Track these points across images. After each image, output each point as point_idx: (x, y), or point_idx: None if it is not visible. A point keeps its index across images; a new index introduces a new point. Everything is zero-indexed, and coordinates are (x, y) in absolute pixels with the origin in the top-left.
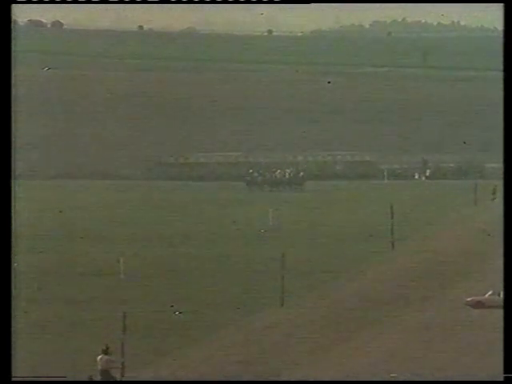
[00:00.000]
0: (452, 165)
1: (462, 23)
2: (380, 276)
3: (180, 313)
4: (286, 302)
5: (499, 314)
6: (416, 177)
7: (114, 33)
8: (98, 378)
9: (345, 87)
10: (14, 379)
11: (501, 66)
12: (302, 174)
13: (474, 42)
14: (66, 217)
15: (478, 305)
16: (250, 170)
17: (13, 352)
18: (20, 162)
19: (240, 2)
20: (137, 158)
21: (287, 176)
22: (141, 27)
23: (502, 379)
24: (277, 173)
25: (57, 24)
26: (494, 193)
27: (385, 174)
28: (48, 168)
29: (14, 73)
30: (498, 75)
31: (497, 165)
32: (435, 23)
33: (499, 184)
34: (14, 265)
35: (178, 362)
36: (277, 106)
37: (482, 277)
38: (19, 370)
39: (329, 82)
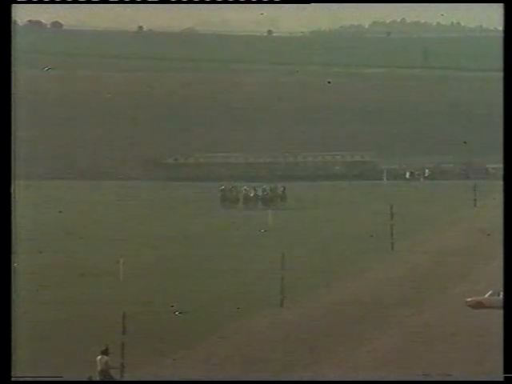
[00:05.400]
0: (452, 165)
1: (462, 23)
2: (380, 276)
3: (180, 313)
4: (286, 302)
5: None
6: (415, 177)
7: (114, 33)
8: (97, 378)
9: (345, 87)
10: (13, 379)
11: (501, 66)
12: (282, 188)
13: (474, 42)
14: (66, 217)
15: (478, 305)
16: (222, 187)
17: (13, 352)
18: (20, 162)
19: (240, 2)
20: (137, 159)
21: (264, 193)
22: (141, 27)
23: (502, 379)
24: (255, 190)
25: (57, 24)
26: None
27: (384, 174)
28: (48, 168)
29: (13, 73)
30: (498, 75)
31: (497, 165)
32: (435, 23)
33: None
34: (14, 265)
35: (178, 362)
36: (276, 105)
37: (482, 277)
38: (19, 369)
39: (329, 82)
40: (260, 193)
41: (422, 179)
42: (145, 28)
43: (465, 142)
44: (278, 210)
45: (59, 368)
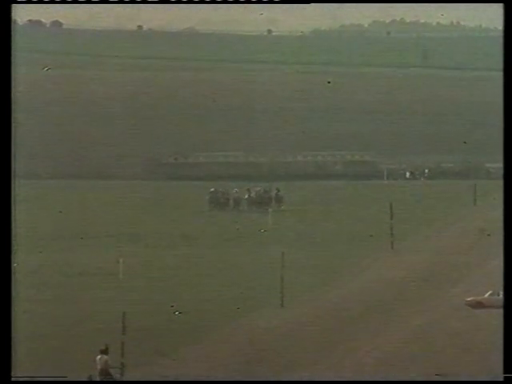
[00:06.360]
0: (451, 165)
1: (462, 23)
2: (379, 276)
3: (180, 313)
4: (286, 302)
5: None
6: (415, 176)
7: (114, 32)
8: (97, 377)
9: (345, 87)
10: (13, 379)
11: (501, 66)
12: (276, 190)
13: (474, 42)
14: (66, 217)
15: (478, 305)
16: (212, 189)
17: (13, 352)
18: (20, 162)
19: (240, 2)
20: (137, 158)
21: (257, 195)
22: (140, 27)
23: (501, 379)
24: (249, 192)
25: (57, 24)
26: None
27: (385, 173)
28: (48, 168)
29: (13, 73)
30: (498, 75)
31: (497, 165)
32: (435, 23)
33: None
34: (14, 265)
35: (178, 362)
36: (276, 105)
37: (482, 277)
38: (19, 369)
39: (329, 82)
40: (253, 195)
41: (422, 179)
42: (145, 28)
43: (465, 142)
44: (275, 210)
45: (59, 368)
